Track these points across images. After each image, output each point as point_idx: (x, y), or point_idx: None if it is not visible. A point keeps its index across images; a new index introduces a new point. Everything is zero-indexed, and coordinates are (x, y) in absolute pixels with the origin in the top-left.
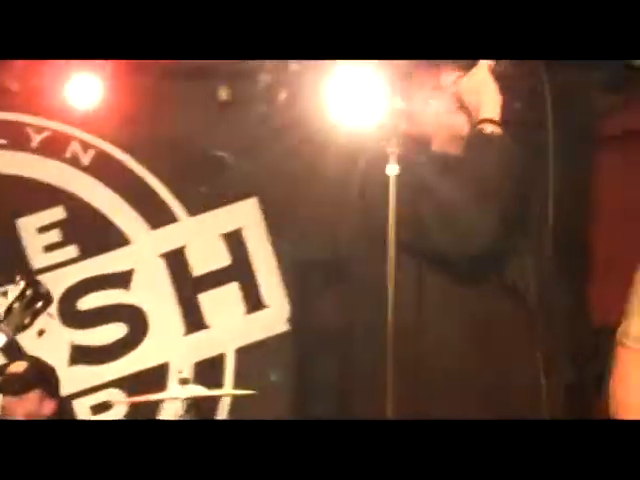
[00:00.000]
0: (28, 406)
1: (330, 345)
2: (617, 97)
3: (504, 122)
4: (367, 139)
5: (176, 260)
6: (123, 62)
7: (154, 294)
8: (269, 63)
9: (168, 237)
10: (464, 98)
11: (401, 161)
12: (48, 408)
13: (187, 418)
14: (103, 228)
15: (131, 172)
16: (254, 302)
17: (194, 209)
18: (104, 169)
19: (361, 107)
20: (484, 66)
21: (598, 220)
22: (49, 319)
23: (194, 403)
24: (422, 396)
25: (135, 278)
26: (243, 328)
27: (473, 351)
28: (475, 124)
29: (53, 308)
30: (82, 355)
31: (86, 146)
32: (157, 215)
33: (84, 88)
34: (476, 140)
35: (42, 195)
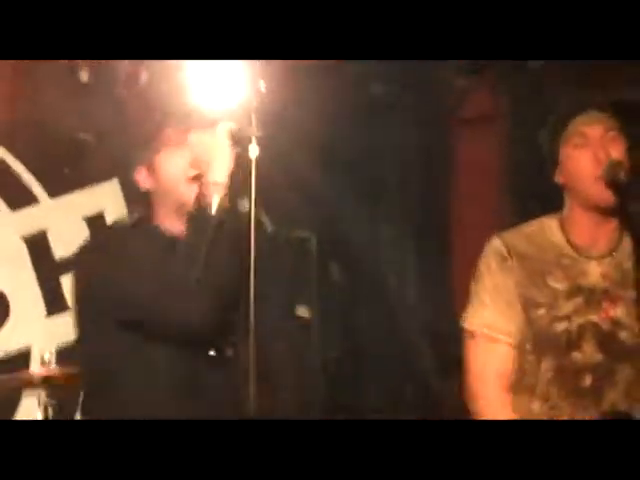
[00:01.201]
0: None
1: None
2: (475, 80)
3: None
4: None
5: (38, 242)
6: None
7: (15, 277)
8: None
9: (29, 219)
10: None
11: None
12: None
13: (50, 402)
14: None
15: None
16: None
17: (56, 191)
18: None
19: (223, 90)
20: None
21: (456, 206)
22: None
23: (56, 388)
24: None
25: None
26: None
27: None
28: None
29: None
30: None
31: None
32: (17, 197)
33: None
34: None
35: None
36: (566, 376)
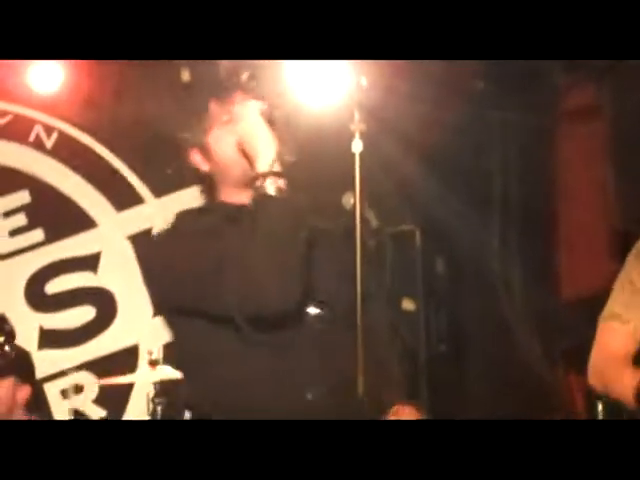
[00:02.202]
0: (2, 392)
1: None
2: (576, 74)
3: None
4: (331, 117)
5: (143, 242)
6: None
7: (122, 276)
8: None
9: (134, 219)
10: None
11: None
12: (22, 393)
13: (158, 401)
14: (68, 211)
15: (95, 155)
16: None
17: (160, 191)
18: (68, 152)
19: (324, 85)
20: (254, 109)
21: (562, 196)
22: None
23: (164, 387)
24: None
25: (102, 261)
26: None
27: None
28: (252, 179)
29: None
30: (51, 339)
31: (49, 129)
32: (123, 197)
33: (46, 72)
34: (256, 197)
35: (6, 179)
36: None
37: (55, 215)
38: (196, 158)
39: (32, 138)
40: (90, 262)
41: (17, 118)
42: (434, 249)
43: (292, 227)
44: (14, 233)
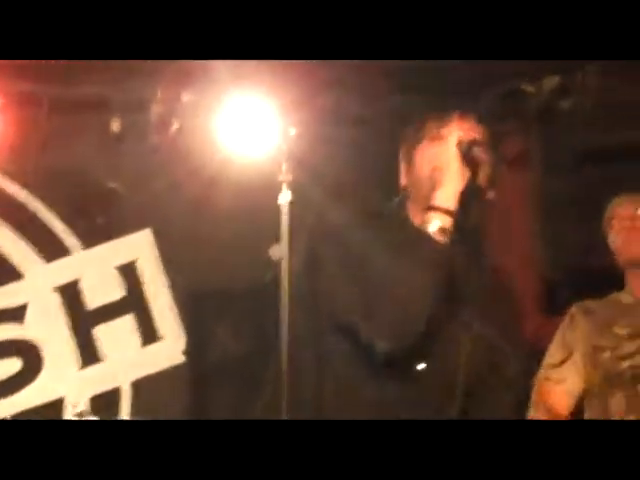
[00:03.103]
0: None
1: (227, 375)
2: (502, 125)
3: None
4: (259, 168)
5: (71, 293)
6: (13, 95)
7: (49, 328)
8: (160, 93)
9: (62, 270)
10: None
11: (293, 189)
12: None
13: None
14: None
15: (23, 205)
16: (149, 334)
17: (88, 241)
18: None
19: (253, 136)
20: (453, 137)
21: (492, 244)
22: None
23: None
24: None
25: (29, 312)
26: (139, 360)
27: None
28: (424, 209)
29: None
30: None
31: None
32: (51, 248)
33: None
34: (416, 232)
35: None
36: (634, 408)
37: None
38: (401, 170)
39: None
40: (17, 314)
41: None
42: None
43: None
44: None
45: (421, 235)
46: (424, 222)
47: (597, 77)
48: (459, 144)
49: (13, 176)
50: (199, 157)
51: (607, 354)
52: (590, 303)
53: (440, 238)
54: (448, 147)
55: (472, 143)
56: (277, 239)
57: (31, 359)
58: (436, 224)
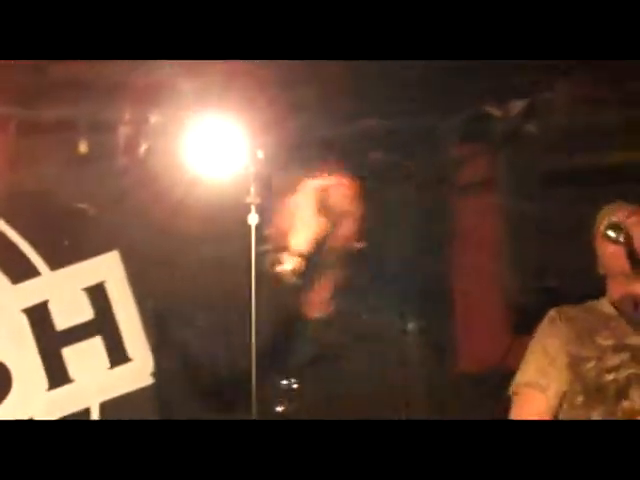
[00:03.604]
0: None
1: (196, 395)
2: (471, 148)
3: None
4: (227, 190)
5: (38, 315)
6: None
7: (17, 350)
8: (128, 115)
9: (30, 292)
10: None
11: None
12: None
13: None
14: None
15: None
16: (118, 355)
17: (56, 263)
18: None
19: (221, 159)
20: (314, 186)
21: (457, 272)
22: None
23: None
24: None
25: None
26: (107, 382)
27: None
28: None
29: None
30: None
31: None
32: (18, 270)
33: None
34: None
35: None
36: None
37: None
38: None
39: None
40: None
41: None
42: None
43: None
44: None
45: (273, 274)
46: (279, 263)
47: (563, 98)
48: (318, 193)
49: None
50: (168, 178)
51: (591, 364)
52: (569, 309)
53: (289, 277)
54: (306, 195)
55: (330, 194)
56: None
57: None
58: (287, 265)
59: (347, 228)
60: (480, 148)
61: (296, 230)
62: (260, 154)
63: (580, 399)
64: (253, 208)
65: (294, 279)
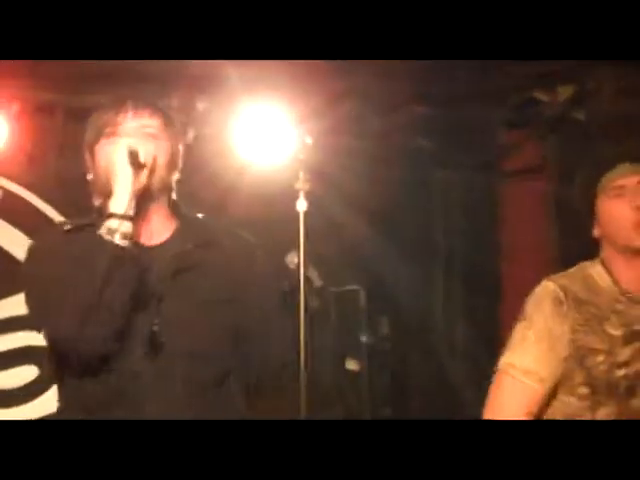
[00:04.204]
0: None
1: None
2: (519, 134)
3: None
4: (276, 177)
5: None
6: (28, 102)
7: None
8: (176, 102)
9: None
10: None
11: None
12: None
13: None
14: (11, 269)
15: (38, 212)
16: None
17: None
18: (11, 209)
19: (270, 145)
20: (122, 139)
21: (505, 256)
22: None
23: None
24: None
25: None
26: None
27: None
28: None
29: None
30: None
31: None
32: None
33: None
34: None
35: None
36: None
37: None
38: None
39: None
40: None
41: None
42: (379, 309)
43: None
44: None
45: (104, 242)
46: (108, 230)
47: (611, 86)
48: (128, 152)
49: (28, 185)
50: (216, 165)
51: (600, 358)
52: (568, 283)
53: (123, 242)
54: (117, 152)
55: (135, 152)
56: (294, 246)
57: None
58: (118, 231)
59: (162, 166)
60: (528, 134)
61: (116, 193)
62: (309, 140)
63: (584, 390)
64: (302, 194)
65: (127, 242)
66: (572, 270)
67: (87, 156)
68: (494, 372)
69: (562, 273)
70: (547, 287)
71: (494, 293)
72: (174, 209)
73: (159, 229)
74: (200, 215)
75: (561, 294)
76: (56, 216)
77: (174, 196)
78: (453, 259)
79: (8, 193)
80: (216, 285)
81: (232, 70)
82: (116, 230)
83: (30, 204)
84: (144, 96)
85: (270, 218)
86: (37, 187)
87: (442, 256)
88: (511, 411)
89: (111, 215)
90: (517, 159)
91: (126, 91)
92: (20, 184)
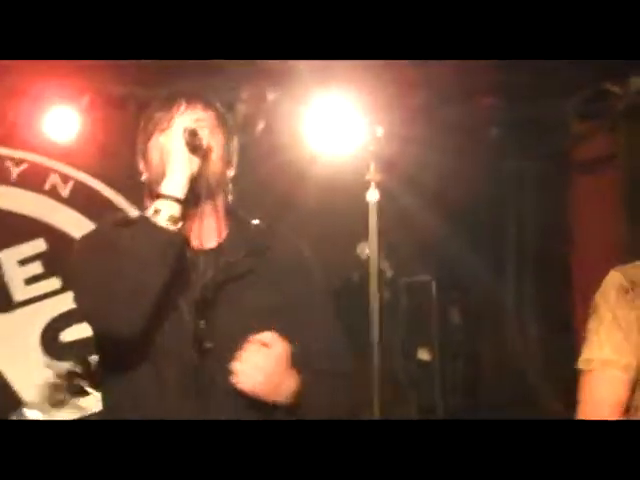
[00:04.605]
0: None
1: None
2: (591, 125)
3: None
4: (346, 168)
5: None
6: (100, 95)
7: None
8: (246, 93)
9: None
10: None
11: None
12: None
13: None
14: None
15: (111, 203)
16: None
17: None
18: (84, 200)
19: (341, 136)
20: (177, 127)
21: (577, 246)
22: None
23: None
24: None
25: None
26: None
27: None
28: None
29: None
30: None
31: (65, 178)
32: None
33: (62, 120)
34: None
35: (22, 227)
36: None
37: None
38: (139, 164)
39: (48, 187)
40: None
41: (33, 166)
42: (450, 299)
43: None
44: (30, 281)
45: (149, 224)
46: (154, 211)
47: None
48: (183, 132)
49: (101, 176)
50: (285, 155)
51: None
52: (635, 272)
53: (169, 225)
54: (172, 136)
55: (194, 131)
56: (365, 237)
57: None
58: (165, 212)
59: (217, 158)
60: (600, 125)
61: (168, 175)
62: (380, 131)
63: None
64: (373, 185)
65: (174, 226)
66: None
67: (139, 157)
68: (576, 371)
69: (631, 264)
70: (613, 277)
71: (565, 282)
72: (229, 212)
73: (210, 233)
74: (256, 221)
75: (625, 282)
76: (127, 207)
77: (229, 198)
78: (524, 249)
79: (79, 184)
80: (267, 296)
81: (303, 63)
82: (163, 211)
83: (101, 194)
84: (215, 88)
85: (340, 209)
86: (108, 178)
87: (513, 246)
88: (602, 404)
89: (160, 195)
90: (589, 149)
91: (196, 84)
92: (91, 175)
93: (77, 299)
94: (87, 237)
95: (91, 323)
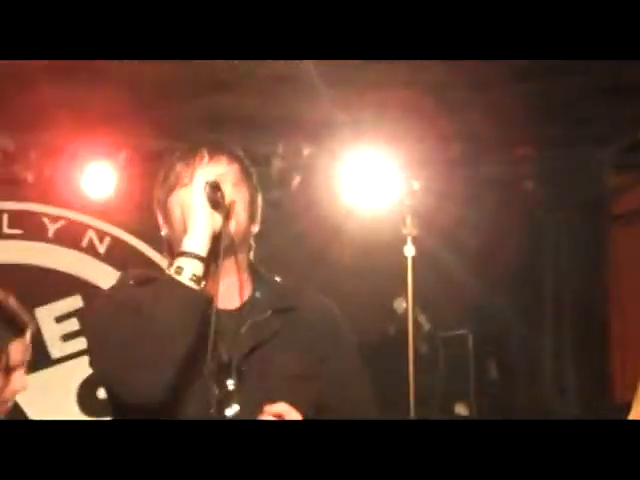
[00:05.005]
0: None
1: None
2: (628, 176)
3: None
4: (383, 222)
5: None
6: (138, 150)
7: None
8: (282, 148)
9: None
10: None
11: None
12: None
13: None
14: None
15: (147, 259)
16: None
17: None
18: (120, 256)
19: (377, 190)
20: (199, 181)
21: (614, 298)
22: None
23: None
24: None
25: None
26: None
27: None
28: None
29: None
30: None
31: (102, 234)
32: None
33: (98, 177)
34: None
35: (59, 284)
36: None
37: None
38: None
39: (85, 243)
40: None
41: (70, 223)
42: (487, 353)
43: None
44: (67, 338)
45: (173, 282)
46: (177, 269)
47: None
48: (205, 186)
49: (138, 233)
50: (321, 210)
51: None
52: None
53: (193, 284)
54: (193, 191)
55: (217, 185)
56: (401, 291)
57: None
58: (188, 271)
59: (240, 214)
60: (637, 176)
61: (190, 231)
62: (416, 185)
63: None
64: (409, 239)
65: (197, 285)
66: None
67: (158, 211)
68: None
69: None
70: None
71: (603, 335)
72: (251, 270)
73: (232, 292)
74: (279, 278)
75: None
76: (162, 261)
77: (251, 256)
78: (561, 302)
79: (116, 240)
80: (294, 359)
81: (340, 116)
82: (186, 269)
83: (138, 250)
84: (251, 142)
85: (377, 263)
86: (145, 234)
87: (550, 299)
88: None
89: (182, 253)
90: (627, 201)
91: (231, 137)
92: (128, 231)
93: (94, 361)
94: (106, 296)
95: (108, 388)
